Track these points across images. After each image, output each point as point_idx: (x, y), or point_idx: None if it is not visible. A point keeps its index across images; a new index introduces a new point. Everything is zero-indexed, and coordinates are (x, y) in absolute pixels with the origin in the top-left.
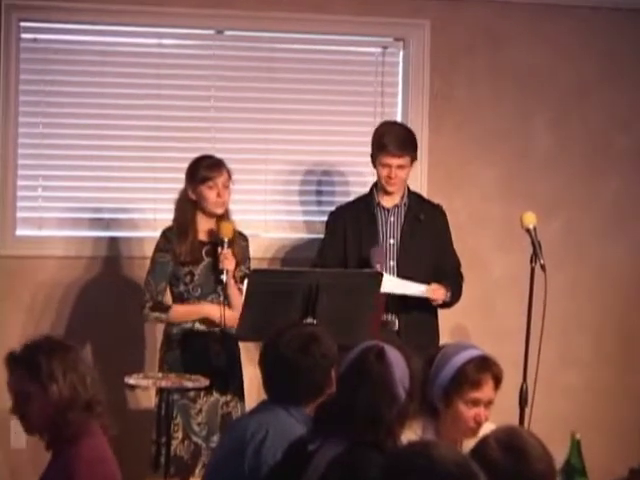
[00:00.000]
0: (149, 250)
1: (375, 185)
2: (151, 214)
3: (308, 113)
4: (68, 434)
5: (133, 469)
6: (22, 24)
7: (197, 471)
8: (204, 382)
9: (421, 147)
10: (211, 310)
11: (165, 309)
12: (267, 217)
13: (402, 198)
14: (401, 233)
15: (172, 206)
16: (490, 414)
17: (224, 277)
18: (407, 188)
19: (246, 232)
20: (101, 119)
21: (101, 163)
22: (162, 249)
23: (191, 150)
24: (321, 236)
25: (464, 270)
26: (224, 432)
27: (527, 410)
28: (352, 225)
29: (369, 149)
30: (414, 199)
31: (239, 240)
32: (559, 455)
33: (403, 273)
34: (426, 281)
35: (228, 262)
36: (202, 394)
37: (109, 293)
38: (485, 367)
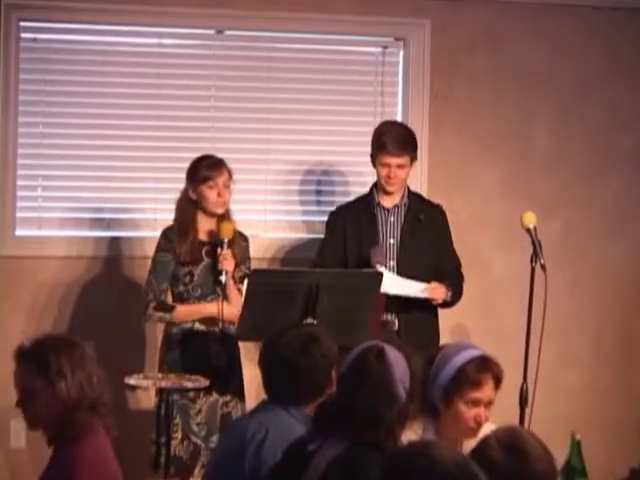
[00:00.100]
0: (150, 250)
1: (375, 185)
2: (152, 214)
3: (308, 113)
4: (72, 433)
5: (133, 469)
6: (22, 24)
7: (196, 471)
8: (204, 382)
9: (421, 147)
10: (215, 310)
11: (169, 309)
12: (267, 217)
13: (402, 198)
14: (401, 233)
15: (173, 206)
16: (490, 414)
17: (223, 278)
18: (407, 188)
19: (246, 232)
20: (101, 119)
21: (101, 163)
22: (163, 248)
23: (191, 150)
24: (321, 236)
25: (464, 270)
26: (224, 432)
27: (527, 410)
28: (352, 225)
29: (369, 149)
30: (414, 199)
31: (239, 240)
32: (559, 455)
33: (403, 273)
34: (426, 281)
35: (227, 263)
36: (201, 394)
37: (109, 293)
38: (485, 367)
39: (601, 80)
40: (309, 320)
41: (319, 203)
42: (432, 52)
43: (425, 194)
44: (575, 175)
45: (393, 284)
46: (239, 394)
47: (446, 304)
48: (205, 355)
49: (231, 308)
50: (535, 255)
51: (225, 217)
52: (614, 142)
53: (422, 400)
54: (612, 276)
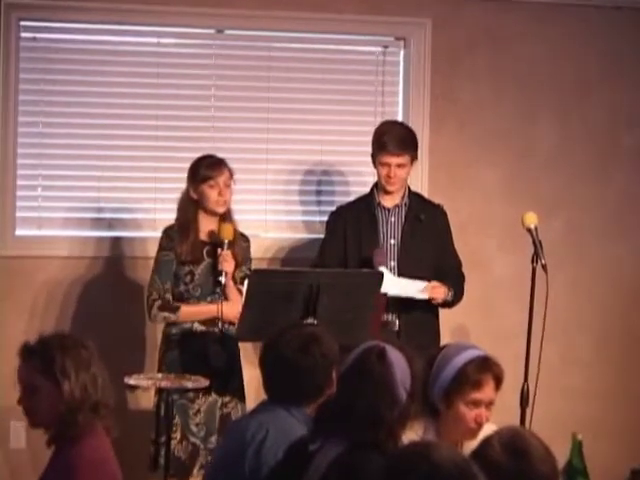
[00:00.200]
0: (151, 250)
1: (376, 185)
2: (152, 214)
3: (308, 113)
4: (72, 433)
5: (132, 469)
6: (22, 23)
7: (195, 472)
8: (204, 382)
9: (422, 147)
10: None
11: (174, 309)
12: (267, 217)
13: (403, 198)
14: (402, 233)
15: (174, 206)
16: (491, 414)
17: (222, 279)
18: (408, 188)
19: (246, 232)
20: (101, 119)
21: (101, 163)
22: (165, 247)
23: (191, 150)
24: (321, 236)
25: (465, 270)
26: (224, 433)
27: (528, 410)
28: (352, 225)
29: (369, 149)
30: (415, 199)
31: (240, 241)
32: (560, 456)
33: (404, 273)
34: (427, 281)
35: (227, 264)
36: (201, 394)
37: (109, 293)
38: (486, 367)
39: (602, 80)
40: (309, 320)
41: (319, 203)
42: (433, 52)
43: (426, 194)
44: (576, 175)
45: (392, 285)
46: (239, 395)
47: (447, 304)
48: (204, 355)
49: (232, 309)
50: (536, 255)
51: (226, 217)
52: (615, 142)
53: (423, 401)
54: (613, 276)
